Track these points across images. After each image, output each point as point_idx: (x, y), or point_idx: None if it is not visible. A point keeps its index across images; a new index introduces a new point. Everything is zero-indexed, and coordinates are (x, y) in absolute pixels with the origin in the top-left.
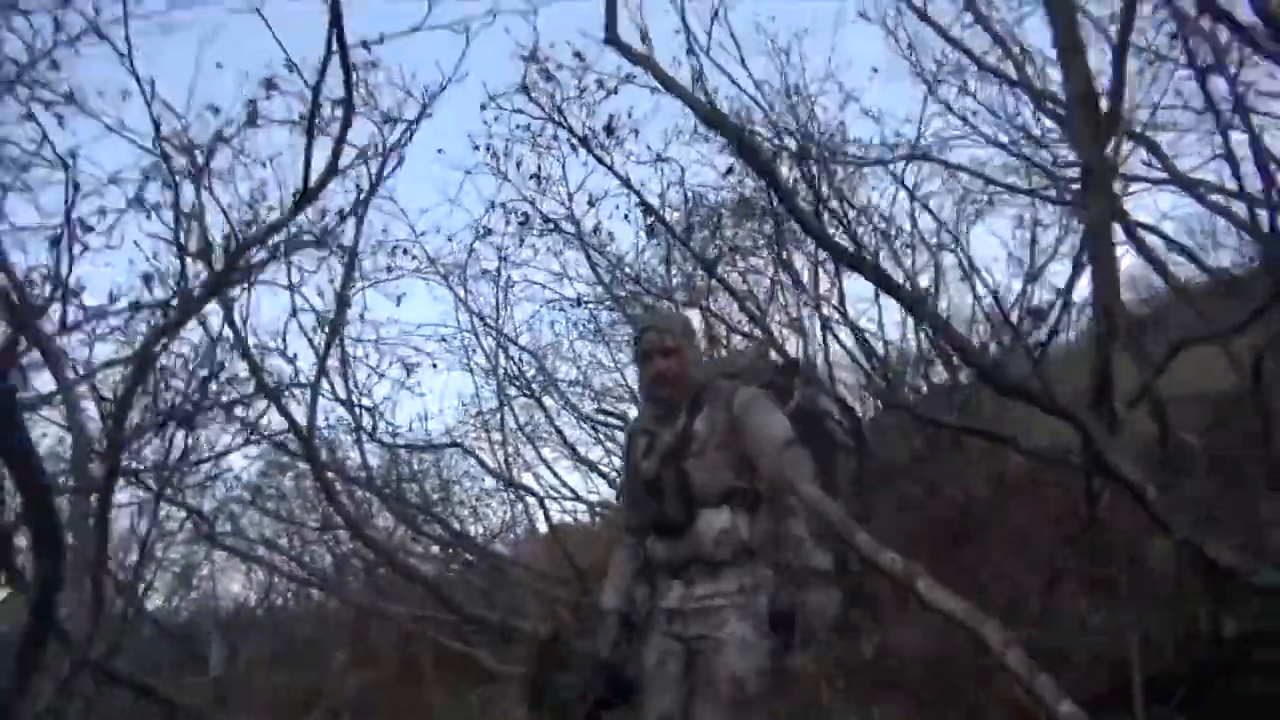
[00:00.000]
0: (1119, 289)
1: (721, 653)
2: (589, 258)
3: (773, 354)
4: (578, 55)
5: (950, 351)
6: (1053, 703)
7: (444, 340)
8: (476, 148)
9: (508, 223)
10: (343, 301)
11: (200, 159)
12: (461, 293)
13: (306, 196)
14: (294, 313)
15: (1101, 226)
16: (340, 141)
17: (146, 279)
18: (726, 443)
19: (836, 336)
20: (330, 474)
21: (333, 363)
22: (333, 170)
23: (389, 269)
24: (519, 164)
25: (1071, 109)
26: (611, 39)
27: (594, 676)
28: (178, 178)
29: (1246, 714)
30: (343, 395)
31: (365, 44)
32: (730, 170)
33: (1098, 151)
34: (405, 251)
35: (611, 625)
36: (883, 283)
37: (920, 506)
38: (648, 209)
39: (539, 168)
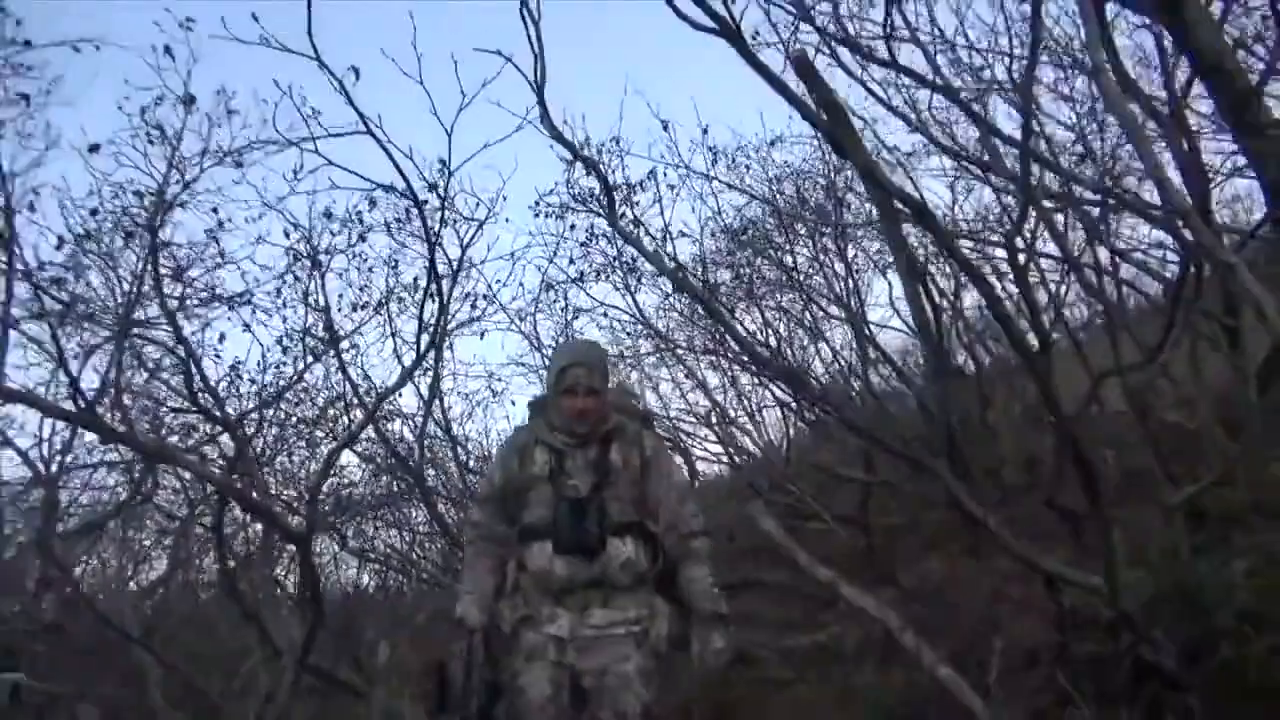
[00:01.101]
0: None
1: (630, 687)
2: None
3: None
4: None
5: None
6: (931, 666)
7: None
8: (534, 223)
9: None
10: (439, 345)
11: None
12: (529, 330)
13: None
14: (398, 357)
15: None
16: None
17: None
18: (637, 480)
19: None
20: (435, 498)
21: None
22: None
23: (471, 319)
24: (572, 226)
25: None
26: None
27: (463, 699)
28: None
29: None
30: (442, 424)
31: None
32: None
33: None
34: (485, 298)
35: (477, 644)
36: None
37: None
38: (674, 281)
39: (590, 230)
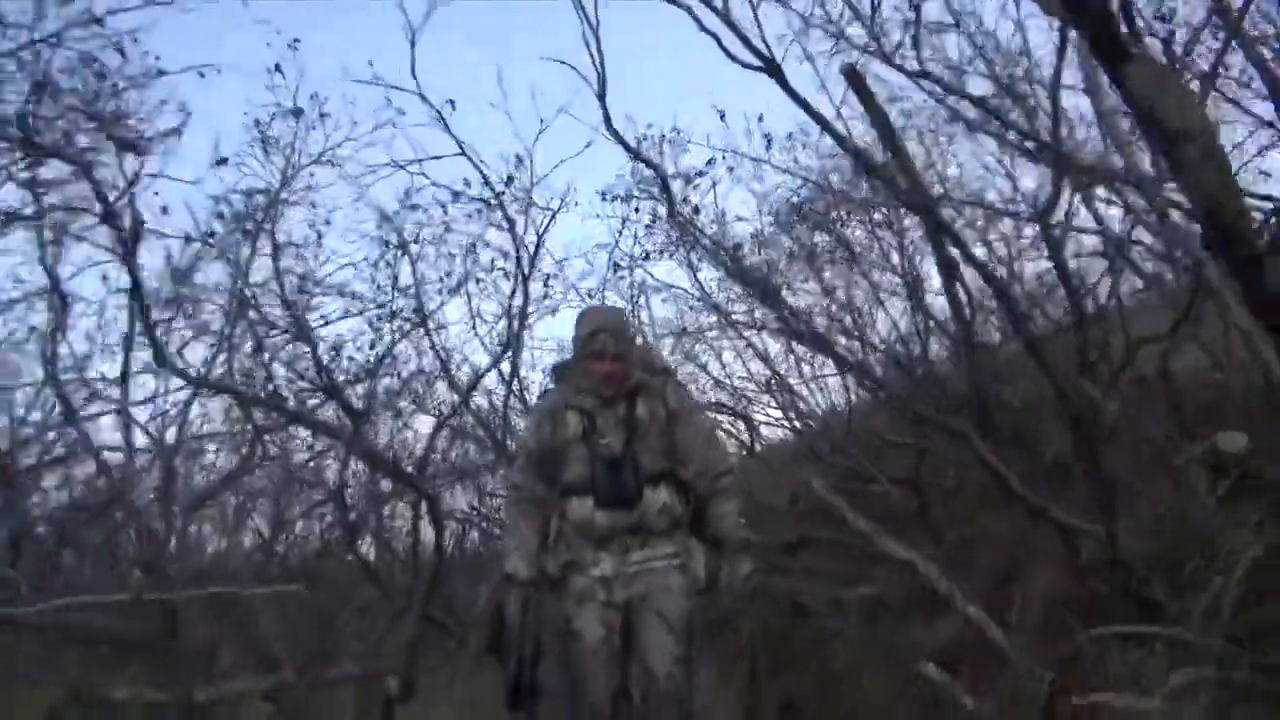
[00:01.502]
0: None
1: (670, 595)
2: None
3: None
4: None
5: None
6: (962, 607)
7: None
8: (601, 207)
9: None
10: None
11: None
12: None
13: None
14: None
15: None
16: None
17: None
18: (665, 431)
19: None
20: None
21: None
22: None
23: (546, 297)
24: (636, 209)
25: None
26: None
27: (519, 643)
28: None
29: None
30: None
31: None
32: None
33: None
34: (554, 277)
35: (528, 595)
36: None
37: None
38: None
39: (653, 213)
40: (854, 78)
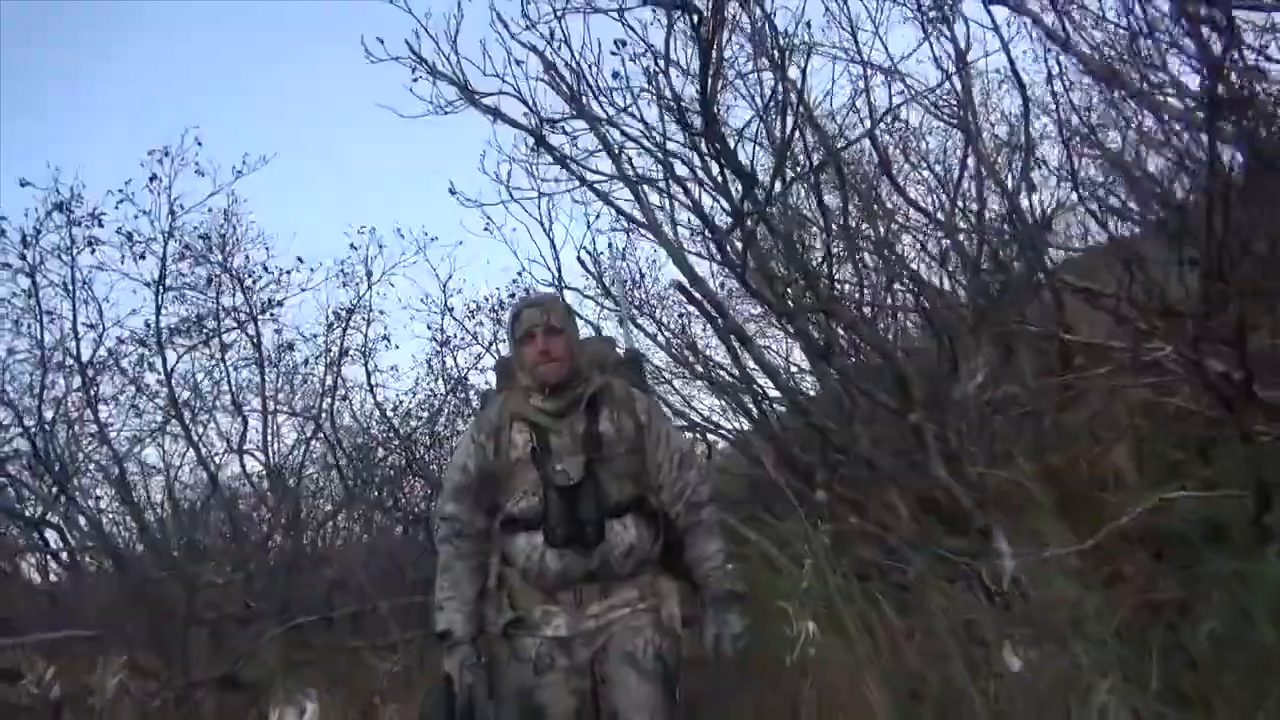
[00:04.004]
0: None
1: (639, 633)
2: None
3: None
4: None
5: None
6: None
7: None
8: None
9: None
10: None
11: None
12: None
13: None
14: None
15: None
16: None
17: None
18: (635, 448)
19: None
20: None
21: None
22: None
23: None
24: None
25: None
26: None
27: None
28: None
29: None
30: None
31: None
32: None
33: None
34: None
35: (468, 656)
36: None
37: None
38: None
39: None
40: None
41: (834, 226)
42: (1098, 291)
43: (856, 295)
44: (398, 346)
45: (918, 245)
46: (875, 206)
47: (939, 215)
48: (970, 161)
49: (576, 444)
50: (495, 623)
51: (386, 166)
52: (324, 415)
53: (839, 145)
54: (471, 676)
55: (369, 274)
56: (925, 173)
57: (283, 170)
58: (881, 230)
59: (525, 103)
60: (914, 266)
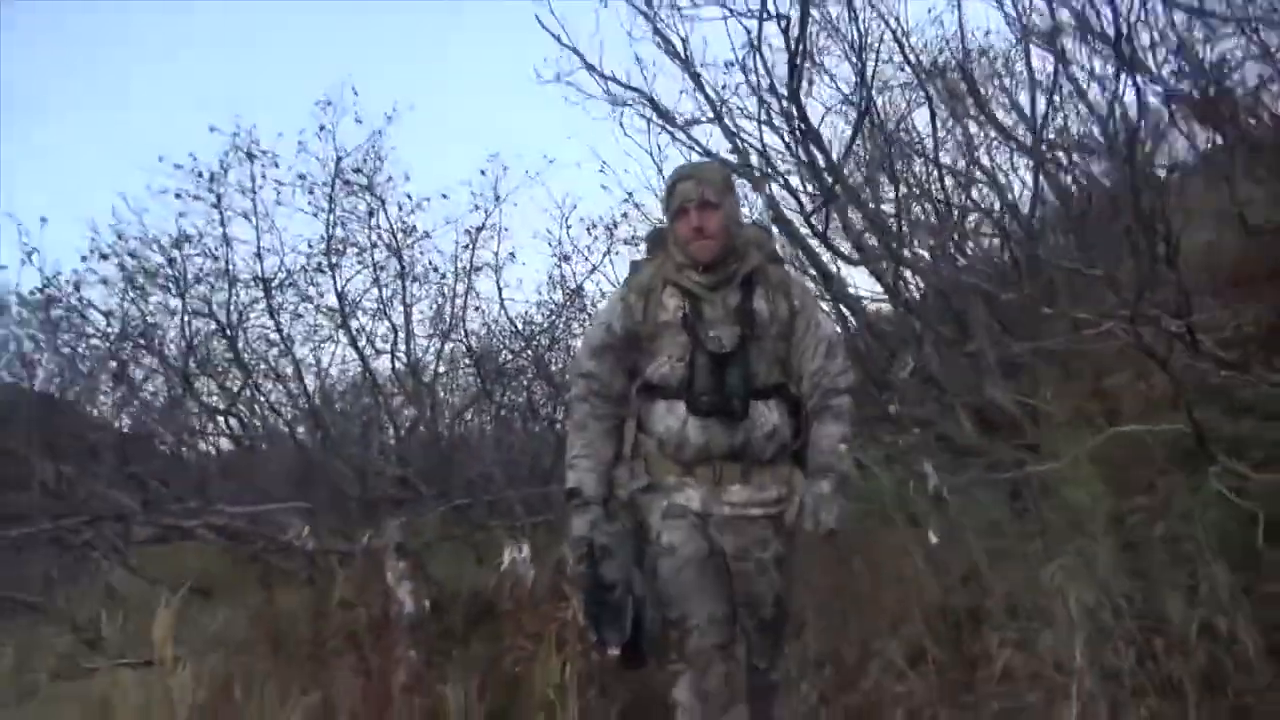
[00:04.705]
0: None
1: (766, 572)
2: None
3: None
4: None
5: None
6: None
7: None
8: None
9: None
10: None
11: None
12: None
13: None
14: None
15: None
16: None
17: None
18: (785, 333)
19: None
20: None
21: None
22: None
23: None
24: None
25: None
26: None
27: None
28: None
29: None
30: None
31: None
32: None
33: None
34: None
35: (598, 517)
36: None
37: None
38: None
39: None
40: None
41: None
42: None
43: (936, 223)
44: (524, 263)
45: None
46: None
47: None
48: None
49: (730, 316)
50: (627, 487)
51: (514, 120)
52: (458, 322)
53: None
54: (604, 537)
55: (497, 196)
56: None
57: (423, 118)
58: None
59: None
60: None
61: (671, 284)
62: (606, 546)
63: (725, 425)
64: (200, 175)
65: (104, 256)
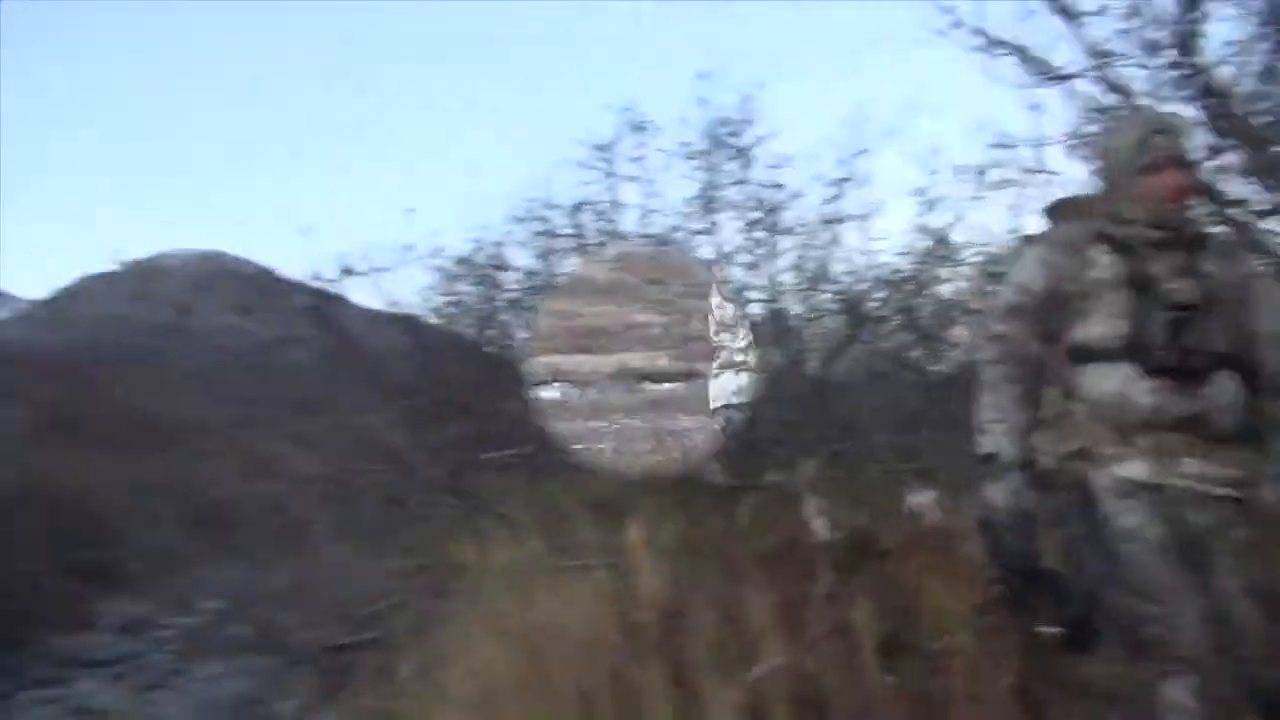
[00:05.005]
0: None
1: (1239, 559)
2: None
3: None
4: None
5: None
6: None
7: None
8: None
9: None
10: None
11: None
12: None
13: None
14: None
15: None
16: None
17: None
18: (1237, 299)
19: None
20: None
21: None
22: None
23: None
24: None
25: None
26: None
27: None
28: None
29: None
30: None
31: None
32: None
33: None
34: None
35: (1018, 484)
36: None
37: None
38: None
39: None
40: None
41: None
42: None
43: None
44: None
45: None
46: None
47: None
48: None
49: (1182, 275)
50: (1050, 453)
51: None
52: (823, 268)
53: None
54: (1028, 503)
55: (860, 150)
56: None
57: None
58: None
59: None
60: None
61: (1107, 240)
62: (1033, 516)
63: (1180, 390)
64: (595, 148)
65: (519, 221)
